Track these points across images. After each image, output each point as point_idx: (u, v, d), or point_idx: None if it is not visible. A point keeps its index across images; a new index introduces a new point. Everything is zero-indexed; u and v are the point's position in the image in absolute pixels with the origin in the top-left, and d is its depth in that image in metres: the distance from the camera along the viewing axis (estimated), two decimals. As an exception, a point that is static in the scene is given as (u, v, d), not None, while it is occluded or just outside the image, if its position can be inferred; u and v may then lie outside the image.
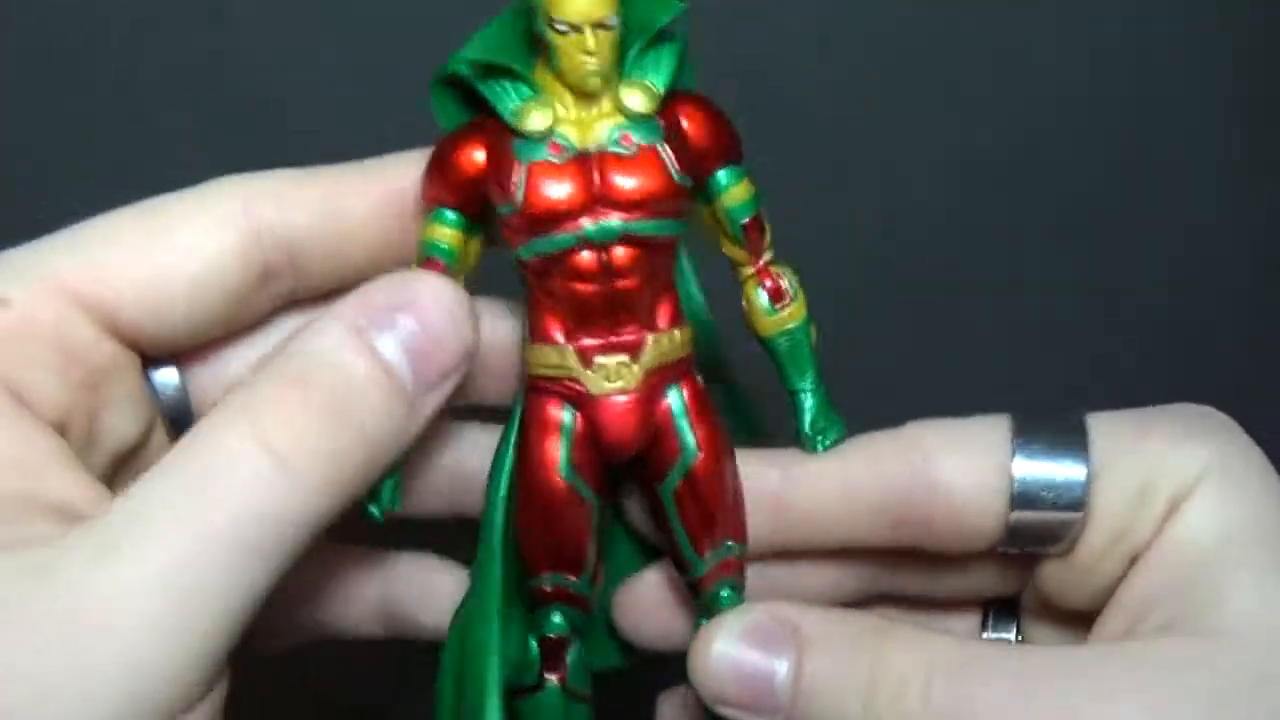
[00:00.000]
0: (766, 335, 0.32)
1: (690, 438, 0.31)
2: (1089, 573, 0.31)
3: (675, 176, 0.30)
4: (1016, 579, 0.34)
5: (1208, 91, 0.60)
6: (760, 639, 0.29)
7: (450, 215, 0.31)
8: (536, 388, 0.31)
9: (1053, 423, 0.31)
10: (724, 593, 0.32)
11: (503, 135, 0.30)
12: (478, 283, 0.33)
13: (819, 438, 0.33)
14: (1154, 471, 0.30)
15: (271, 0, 0.56)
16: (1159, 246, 0.62)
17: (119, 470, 0.30)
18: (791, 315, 0.32)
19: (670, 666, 0.34)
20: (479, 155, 0.30)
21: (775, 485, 0.32)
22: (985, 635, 0.36)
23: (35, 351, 0.27)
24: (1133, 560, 0.30)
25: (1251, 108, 0.60)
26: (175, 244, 0.30)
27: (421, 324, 0.28)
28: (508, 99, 0.30)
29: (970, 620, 0.37)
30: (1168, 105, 0.60)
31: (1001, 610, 0.36)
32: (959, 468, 0.31)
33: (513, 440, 0.32)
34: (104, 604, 0.23)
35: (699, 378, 0.32)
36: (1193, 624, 0.28)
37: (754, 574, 0.34)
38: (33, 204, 0.60)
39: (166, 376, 0.31)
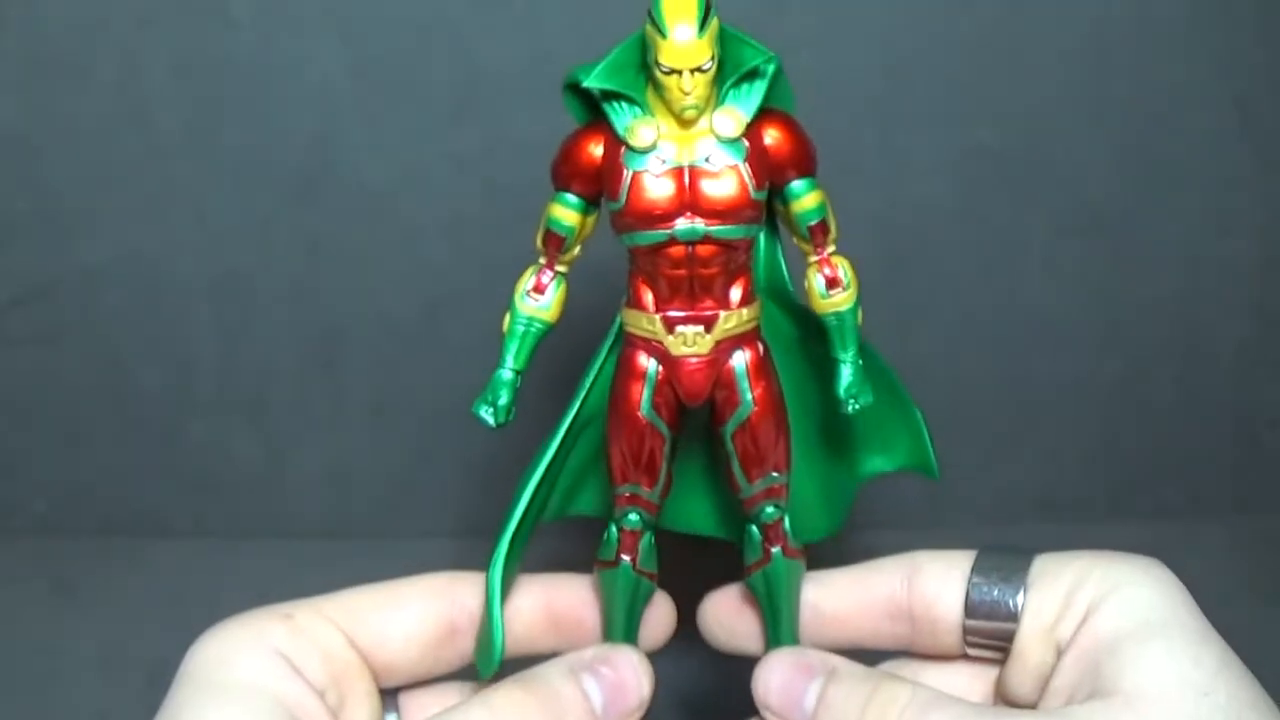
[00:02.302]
0: (820, 313, 0.38)
1: (749, 394, 0.38)
2: (1025, 662, 0.39)
3: (752, 192, 0.36)
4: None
5: (1208, 91, 0.60)
6: (805, 666, 0.39)
7: (571, 198, 0.38)
8: (630, 341, 0.39)
9: (1007, 556, 0.40)
10: (768, 509, 0.40)
11: (617, 142, 0.36)
12: (591, 251, 0.39)
13: (851, 401, 0.38)
14: (1078, 584, 0.38)
15: (272, 1, 0.57)
16: (1163, 246, 0.62)
17: None
18: (843, 301, 0.38)
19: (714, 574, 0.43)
20: (598, 151, 0.37)
21: (813, 597, 0.42)
22: None
23: (304, 643, 0.38)
24: (1059, 654, 0.37)
25: (1255, 106, 0.60)
26: (396, 599, 0.41)
27: (616, 675, 0.38)
28: (622, 116, 0.36)
29: None
30: (1170, 105, 0.60)
31: None
32: (934, 580, 0.40)
33: (587, 384, 0.40)
34: None
35: (761, 345, 0.39)
36: (1102, 692, 0.35)
37: None
38: (33, 204, 0.60)
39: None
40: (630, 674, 0.39)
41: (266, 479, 0.64)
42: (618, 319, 0.39)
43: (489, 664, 0.39)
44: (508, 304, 0.39)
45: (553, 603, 0.42)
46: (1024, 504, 0.65)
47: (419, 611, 0.41)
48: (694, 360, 0.38)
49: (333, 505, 0.64)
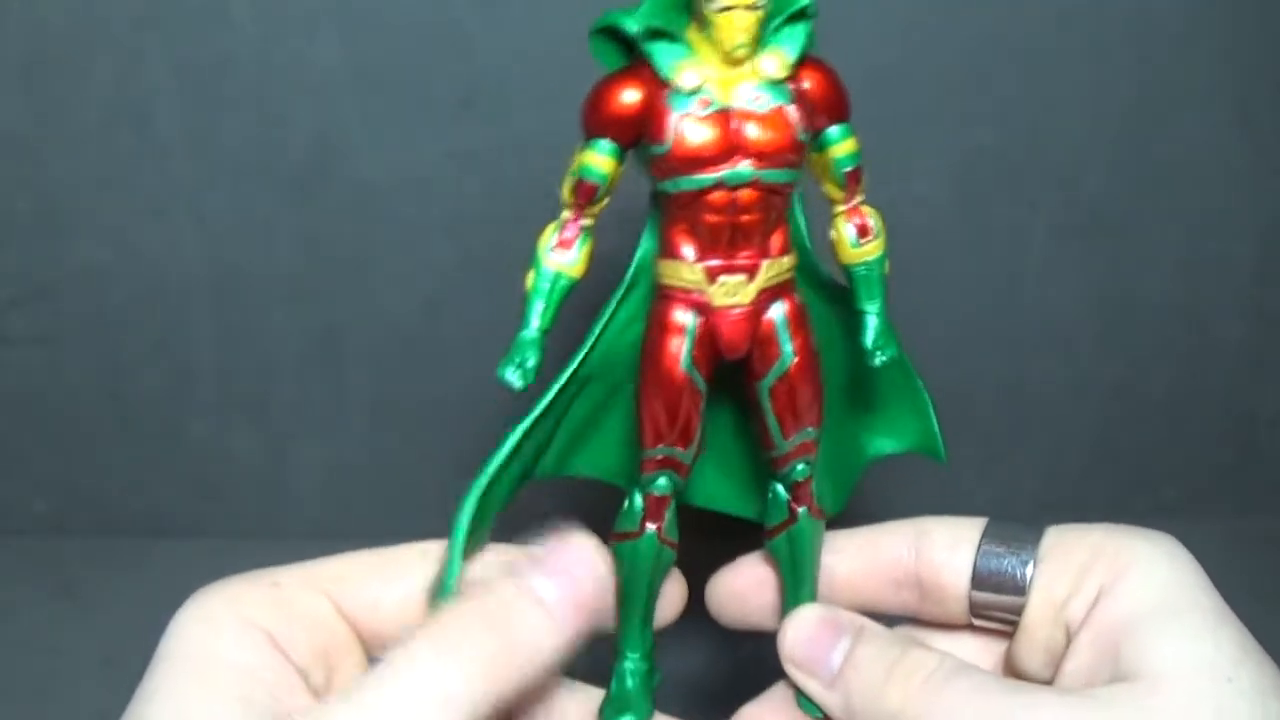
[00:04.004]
0: (849, 263, 0.38)
1: (789, 346, 0.38)
2: (1034, 639, 0.38)
3: (798, 134, 0.36)
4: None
5: (1209, 91, 0.60)
6: (833, 624, 0.39)
7: (606, 145, 0.36)
8: (666, 295, 0.38)
9: (1017, 528, 0.40)
10: (799, 466, 0.39)
11: (658, 85, 0.35)
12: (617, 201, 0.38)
13: (878, 352, 0.38)
14: (1091, 561, 0.37)
15: (272, 1, 0.57)
16: (1163, 246, 0.62)
17: None
18: (872, 250, 0.38)
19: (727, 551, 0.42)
20: (635, 97, 0.36)
21: (824, 561, 0.41)
22: None
23: (291, 616, 0.37)
24: (1069, 634, 0.37)
25: (1255, 106, 0.61)
26: (390, 564, 0.40)
27: (559, 561, 0.36)
28: (667, 57, 0.35)
29: None
30: (1170, 105, 0.60)
31: None
32: (942, 548, 0.40)
33: (592, 338, 0.38)
34: None
35: (798, 295, 0.38)
36: (1123, 675, 0.34)
37: None
38: (33, 204, 0.60)
39: None
40: (575, 557, 0.37)
41: (266, 479, 0.64)
42: (629, 271, 0.38)
43: (440, 595, 0.37)
44: (530, 261, 0.37)
45: None
46: (1024, 504, 0.65)
47: (413, 577, 0.39)
48: (736, 311, 0.37)
49: (333, 505, 0.64)
